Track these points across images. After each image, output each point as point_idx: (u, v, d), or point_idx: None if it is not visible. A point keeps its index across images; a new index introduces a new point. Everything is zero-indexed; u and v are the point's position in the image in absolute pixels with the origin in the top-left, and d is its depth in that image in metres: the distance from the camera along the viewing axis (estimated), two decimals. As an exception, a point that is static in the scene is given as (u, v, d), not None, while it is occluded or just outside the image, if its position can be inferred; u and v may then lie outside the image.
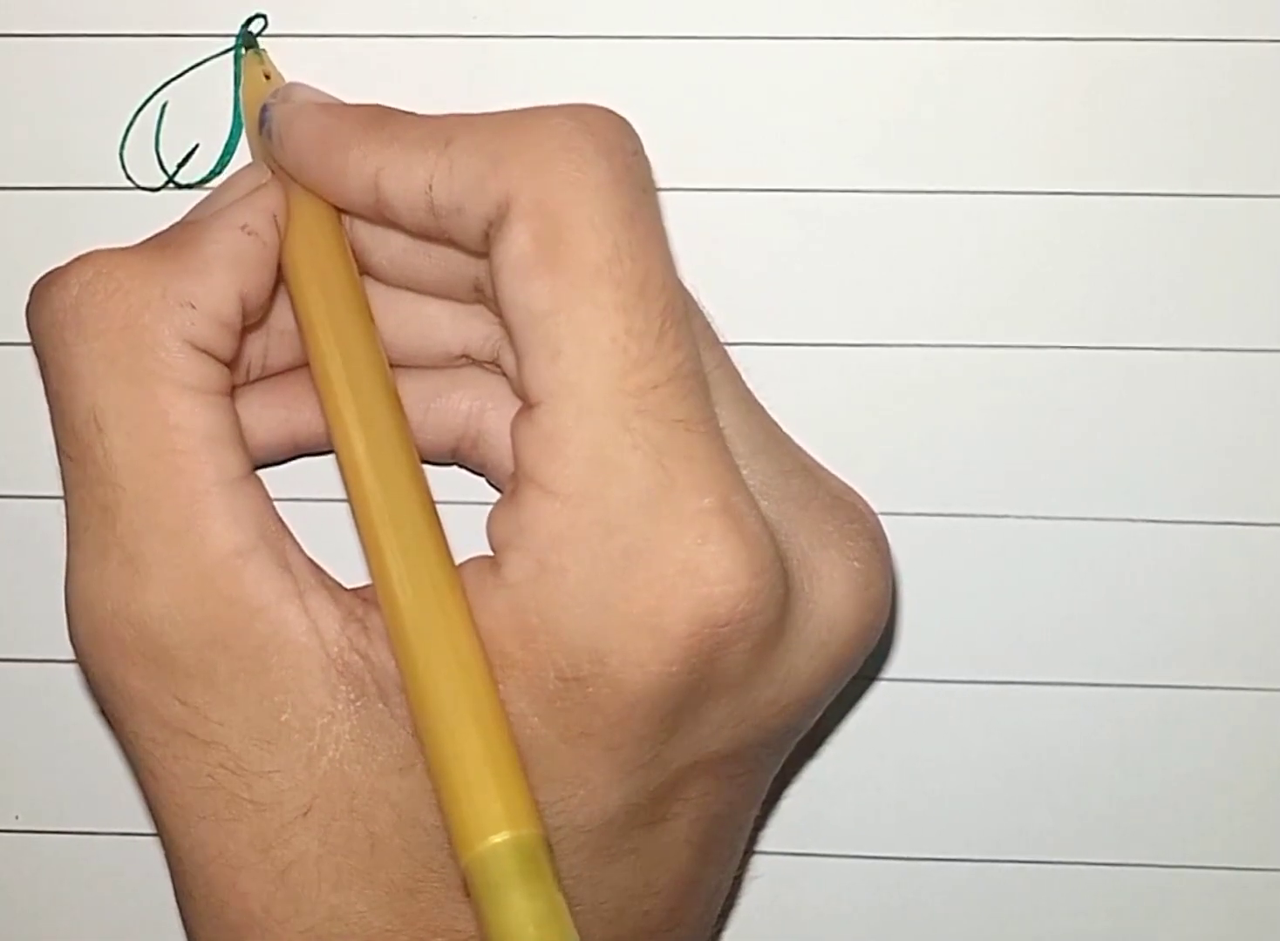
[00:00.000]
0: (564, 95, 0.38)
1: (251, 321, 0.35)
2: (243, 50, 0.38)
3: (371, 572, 0.33)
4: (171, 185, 0.39)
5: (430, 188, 0.33)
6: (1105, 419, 0.39)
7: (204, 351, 0.34)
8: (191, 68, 0.38)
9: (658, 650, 0.32)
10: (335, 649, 0.33)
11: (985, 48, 0.38)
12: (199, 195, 0.39)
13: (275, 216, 0.35)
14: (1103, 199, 0.39)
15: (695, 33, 0.38)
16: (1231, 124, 0.38)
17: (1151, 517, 0.40)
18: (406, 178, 0.33)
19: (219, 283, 0.34)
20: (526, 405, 0.33)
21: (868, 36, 0.38)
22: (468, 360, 0.37)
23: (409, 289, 0.36)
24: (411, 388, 0.37)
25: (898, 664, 0.40)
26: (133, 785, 0.40)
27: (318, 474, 0.39)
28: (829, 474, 0.36)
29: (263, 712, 0.33)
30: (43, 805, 0.42)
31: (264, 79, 0.38)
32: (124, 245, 0.35)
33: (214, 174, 0.39)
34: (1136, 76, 0.38)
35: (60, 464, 0.34)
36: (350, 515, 0.33)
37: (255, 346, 0.37)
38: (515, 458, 0.33)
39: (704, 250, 0.39)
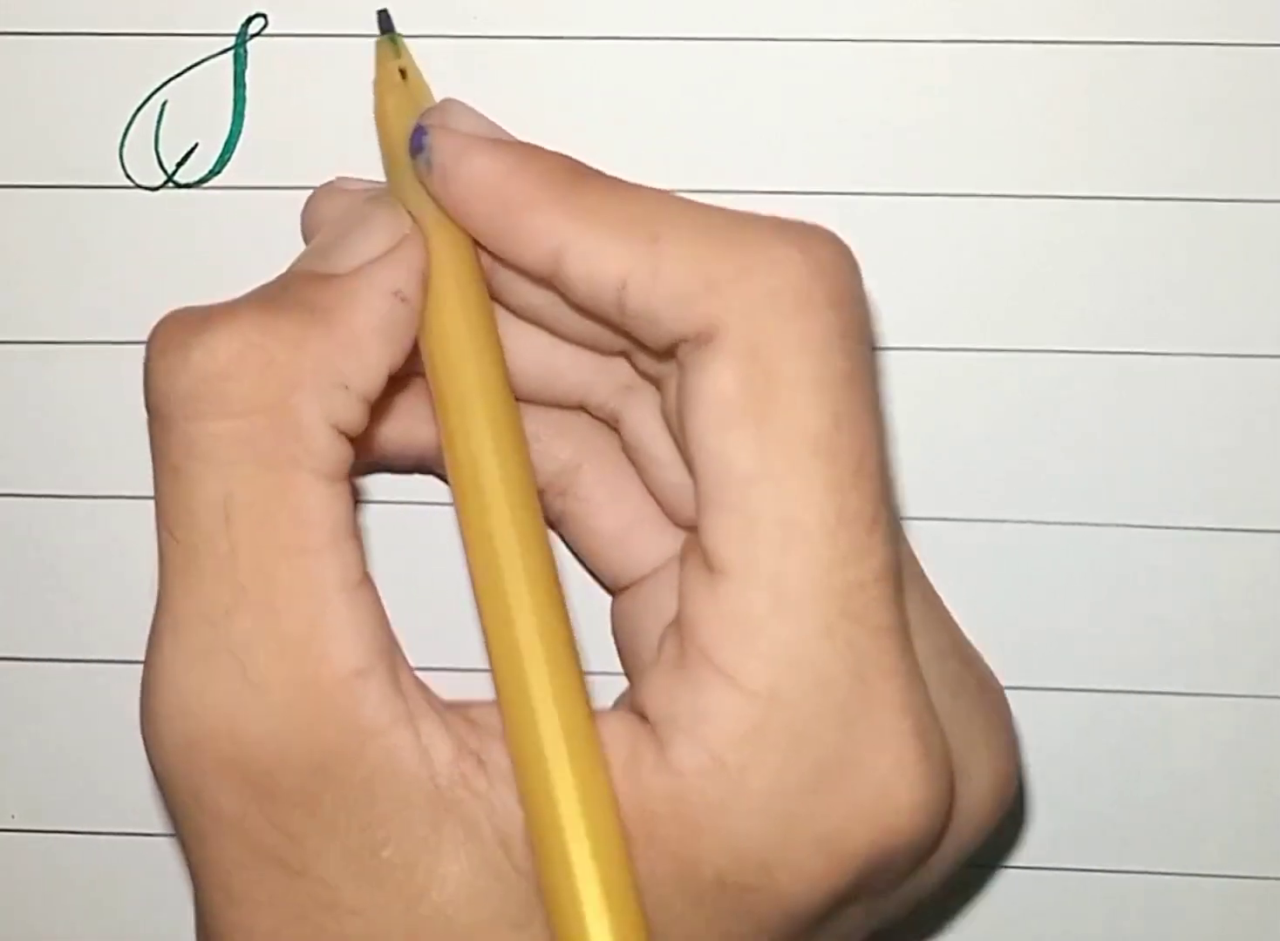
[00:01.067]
0: (564, 96, 0.38)
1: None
2: (379, 32, 0.35)
3: (506, 719, 0.30)
4: (171, 184, 0.39)
5: (625, 286, 0.30)
6: (1104, 423, 0.39)
7: (344, 434, 0.31)
8: (191, 67, 0.38)
9: (831, 871, 0.30)
10: (445, 781, 0.30)
11: (986, 50, 0.38)
12: (198, 195, 0.39)
13: (424, 275, 0.32)
14: (1103, 203, 0.39)
15: (696, 34, 0.38)
16: (1232, 128, 0.38)
17: (1151, 523, 0.40)
18: (598, 267, 0.30)
19: (373, 360, 0.31)
20: (705, 562, 0.30)
21: (868, 39, 0.38)
22: (580, 409, 0.35)
23: (542, 328, 0.34)
24: None
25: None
26: (130, 787, 0.40)
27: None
28: (974, 651, 0.34)
29: (363, 846, 0.30)
30: (39, 804, 0.42)
31: (399, 77, 0.34)
32: (259, 294, 0.32)
33: (213, 173, 0.39)
34: (1137, 80, 0.38)
35: (161, 542, 0.31)
36: (480, 632, 0.31)
37: None
38: (686, 621, 0.30)
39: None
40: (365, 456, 0.34)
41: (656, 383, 0.33)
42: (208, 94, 0.38)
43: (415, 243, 0.32)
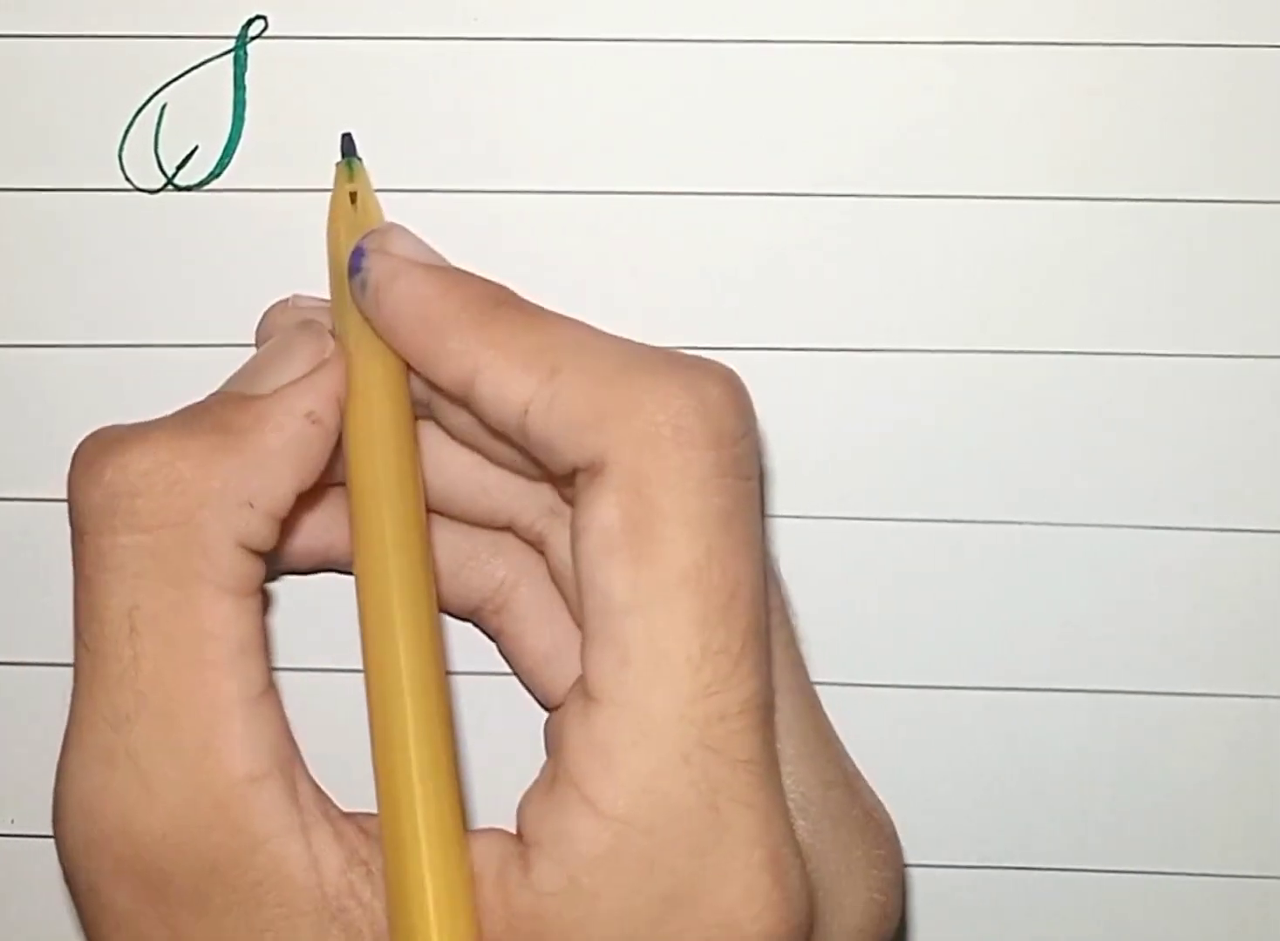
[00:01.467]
0: (565, 97, 0.38)
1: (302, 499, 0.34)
2: (340, 158, 0.36)
3: (383, 831, 0.32)
4: (170, 187, 0.39)
5: (526, 413, 0.31)
6: (1104, 424, 0.39)
7: (252, 550, 0.32)
8: (191, 69, 0.38)
9: None
10: (333, 891, 0.31)
11: (989, 52, 0.38)
12: (198, 198, 0.39)
13: (339, 399, 0.33)
14: (1104, 204, 0.39)
15: (698, 36, 0.38)
16: (1233, 129, 0.38)
17: (1153, 524, 0.40)
18: (503, 392, 0.31)
19: (279, 479, 0.32)
20: (584, 690, 0.31)
21: (871, 40, 0.38)
22: (510, 531, 0.36)
23: (474, 451, 0.35)
24: (453, 542, 0.37)
25: (897, 668, 0.40)
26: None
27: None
28: (864, 783, 0.36)
29: None
30: (38, 809, 0.41)
31: (349, 201, 0.35)
32: (179, 416, 0.33)
33: (213, 176, 0.38)
34: (1138, 81, 0.38)
35: (76, 652, 0.32)
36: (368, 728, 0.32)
37: None
38: (560, 746, 0.31)
39: (706, 254, 0.39)
40: (273, 565, 0.35)
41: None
42: (208, 96, 0.38)
43: (333, 367, 0.33)
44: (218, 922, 0.31)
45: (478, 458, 0.35)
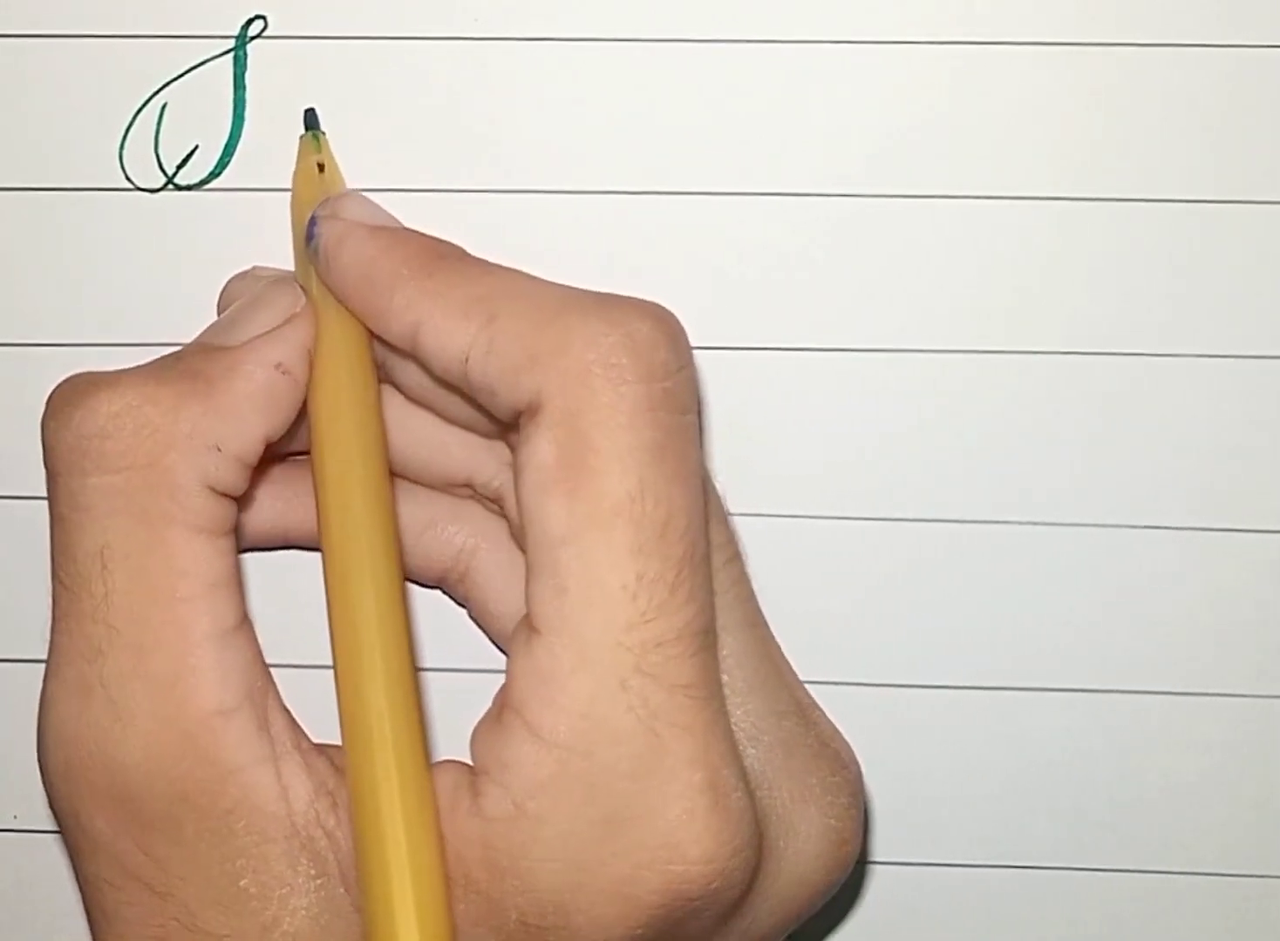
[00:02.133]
0: (564, 98, 0.38)
1: (272, 452, 0.35)
2: (304, 129, 0.37)
3: (346, 760, 0.33)
4: (171, 186, 0.39)
5: (466, 360, 0.32)
6: (1104, 424, 0.39)
7: (221, 493, 0.33)
8: (191, 69, 0.38)
9: (625, 916, 0.32)
10: (302, 821, 0.32)
11: (987, 52, 0.38)
12: (198, 197, 0.39)
13: (309, 350, 0.34)
14: (1104, 204, 0.39)
15: (698, 36, 0.38)
16: (1232, 130, 0.38)
17: (1151, 523, 0.40)
18: (444, 341, 0.32)
19: (247, 425, 0.33)
20: (528, 623, 0.32)
21: (869, 40, 0.38)
22: (470, 490, 0.37)
23: (431, 411, 0.36)
24: (411, 511, 0.37)
25: (896, 668, 0.40)
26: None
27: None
28: (821, 713, 0.36)
29: (223, 875, 0.32)
30: (40, 805, 0.41)
31: (317, 171, 0.37)
32: (152, 365, 0.34)
33: (213, 175, 0.39)
34: (1137, 82, 0.38)
35: (53, 587, 0.34)
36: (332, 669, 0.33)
37: None
38: (508, 679, 0.32)
39: (705, 254, 0.39)
40: (280, 542, 0.38)
41: None
42: (208, 96, 0.38)
43: (303, 320, 0.34)
44: (192, 848, 0.32)
45: (435, 417, 0.36)
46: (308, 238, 0.35)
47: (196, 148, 0.39)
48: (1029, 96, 0.38)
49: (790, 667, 0.36)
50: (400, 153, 0.38)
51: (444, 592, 0.39)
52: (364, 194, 0.36)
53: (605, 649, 0.31)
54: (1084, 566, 0.40)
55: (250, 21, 0.38)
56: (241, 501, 0.34)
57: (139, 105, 0.38)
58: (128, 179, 0.39)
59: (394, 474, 0.35)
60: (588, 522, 0.31)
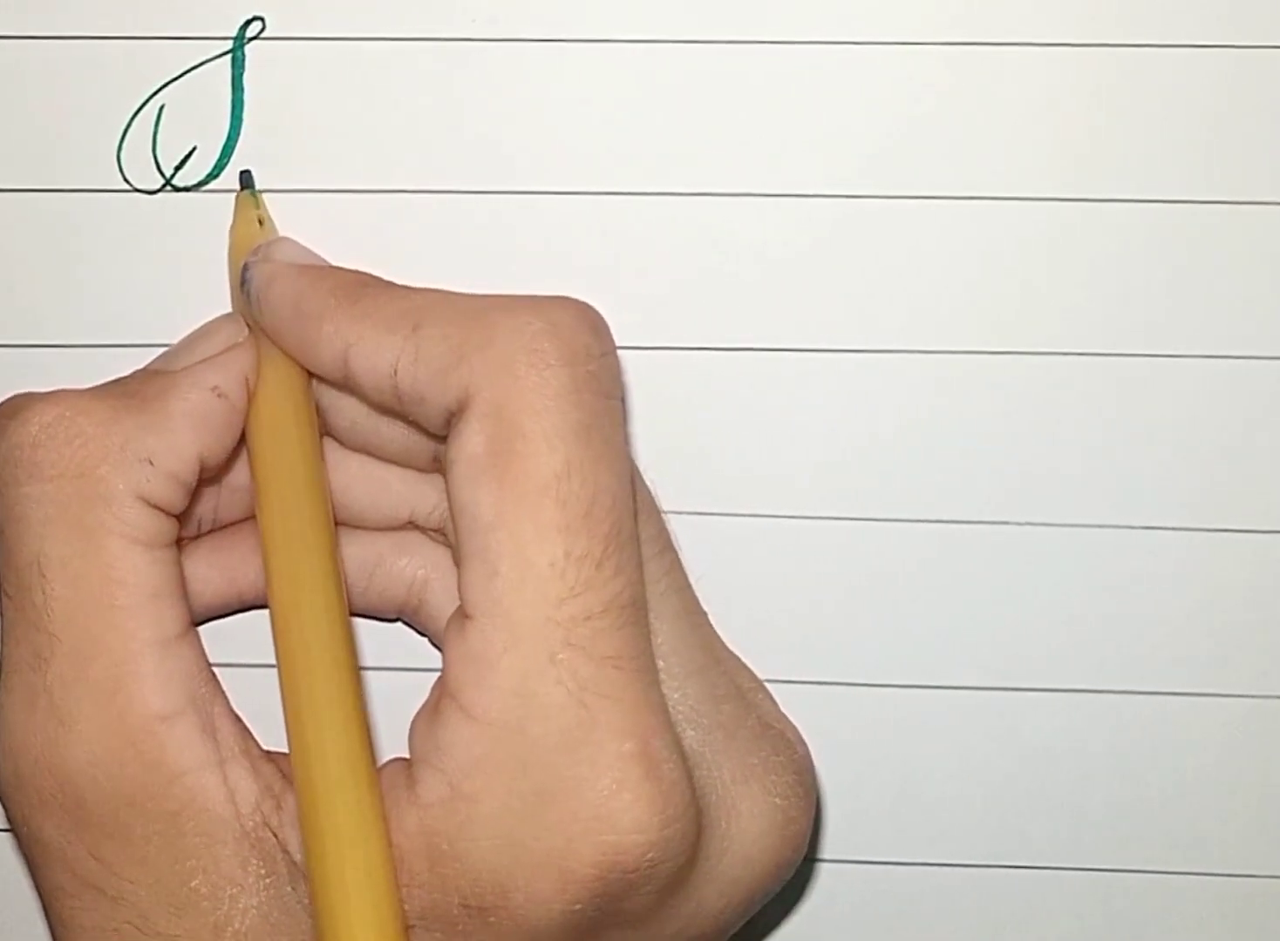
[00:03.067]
0: (565, 97, 0.38)
1: (208, 478, 0.35)
2: (240, 189, 0.38)
3: (292, 760, 0.33)
4: (169, 188, 0.39)
5: (395, 372, 0.33)
6: (1104, 424, 0.39)
7: (156, 507, 0.34)
8: (189, 70, 0.38)
9: (562, 890, 0.32)
10: (250, 823, 0.33)
11: (986, 53, 0.38)
12: (196, 198, 0.39)
13: (247, 379, 0.35)
14: (1103, 205, 0.38)
15: (697, 37, 0.38)
16: (1232, 130, 0.38)
17: (1151, 523, 0.40)
18: (373, 359, 0.33)
19: (180, 442, 0.34)
20: (461, 612, 0.32)
21: (868, 41, 0.38)
22: (413, 527, 0.37)
23: (367, 453, 0.36)
24: (357, 553, 0.37)
25: (896, 668, 0.40)
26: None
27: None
28: (765, 696, 0.36)
29: (173, 876, 0.33)
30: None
31: (258, 225, 0.37)
32: (92, 386, 0.35)
33: (211, 176, 0.38)
34: (1140, 81, 0.38)
35: (1, 599, 0.34)
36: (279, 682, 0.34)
37: (208, 500, 0.37)
38: (444, 668, 0.33)
39: (706, 254, 0.39)
40: (233, 606, 0.38)
41: None
42: (206, 97, 0.38)
43: (243, 350, 0.35)
44: (141, 852, 0.33)
45: (372, 459, 0.37)
46: (243, 283, 0.36)
47: (194, 149, 0.38)
48: (1029, 96, 0.38)
49: (732, 655, 0.36)
50: (399, 152, 0.38)
51: (405, 624, 0.39)
52: (294, 240, 0.37)
53: (535, 626, 0.31)
54: (1084, 566, 0.40)
55: (248, 23, 0.38)
56: (190, 575, 0.35)
57: (137, 106, 0.38)
58: (126, 180, 0.39)
59: (338, 521, 0.36)
60: (517, 505, 0.31)
